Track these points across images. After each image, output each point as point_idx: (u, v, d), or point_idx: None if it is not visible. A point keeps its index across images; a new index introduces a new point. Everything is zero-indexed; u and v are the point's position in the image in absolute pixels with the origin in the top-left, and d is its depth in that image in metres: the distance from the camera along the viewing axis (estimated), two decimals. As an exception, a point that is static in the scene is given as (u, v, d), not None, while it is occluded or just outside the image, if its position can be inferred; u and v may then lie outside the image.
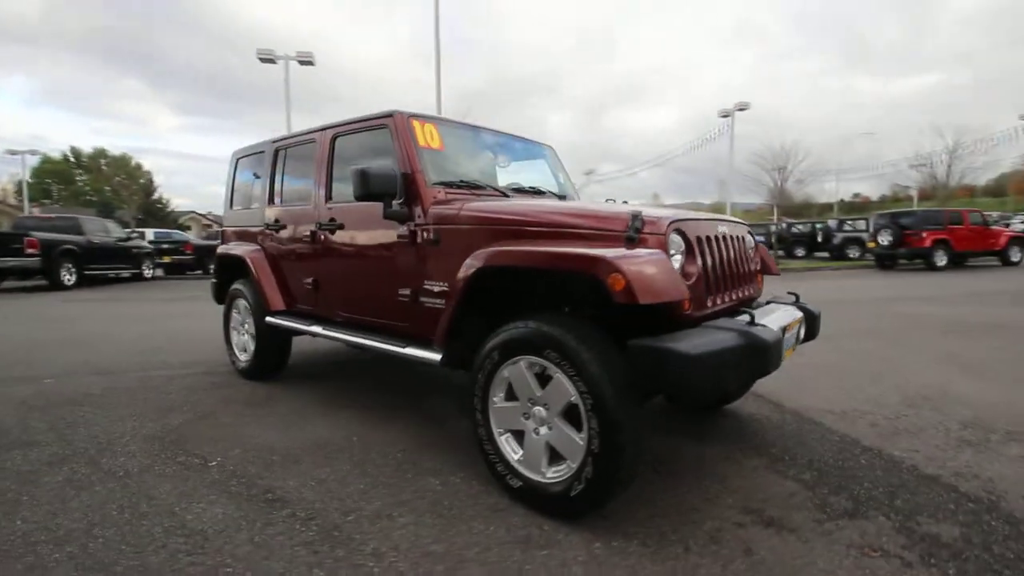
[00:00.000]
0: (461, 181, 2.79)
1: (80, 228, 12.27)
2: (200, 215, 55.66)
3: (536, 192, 3.17)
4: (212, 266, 4.60)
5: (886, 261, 14.61)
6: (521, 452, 2.09)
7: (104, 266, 12.91)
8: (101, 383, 3.86)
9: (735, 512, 2.04)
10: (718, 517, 2.00)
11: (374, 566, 1.70)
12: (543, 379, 2.00)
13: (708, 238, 2.19)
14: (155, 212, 45.88)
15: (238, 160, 4.25)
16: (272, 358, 3.83)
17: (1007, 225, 15.77)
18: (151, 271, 15.15)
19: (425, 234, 2.56)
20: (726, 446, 2.66)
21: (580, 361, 1.80)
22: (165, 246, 16.88)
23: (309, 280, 3.34)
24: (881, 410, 3.15)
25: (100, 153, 46.83)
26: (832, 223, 19.34)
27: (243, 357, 3.99)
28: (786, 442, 2.71)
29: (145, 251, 14.92)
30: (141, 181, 46.04)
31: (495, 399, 2.15)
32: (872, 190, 58.41)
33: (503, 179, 3.23)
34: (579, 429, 1.89)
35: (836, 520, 1.98)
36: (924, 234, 13.18)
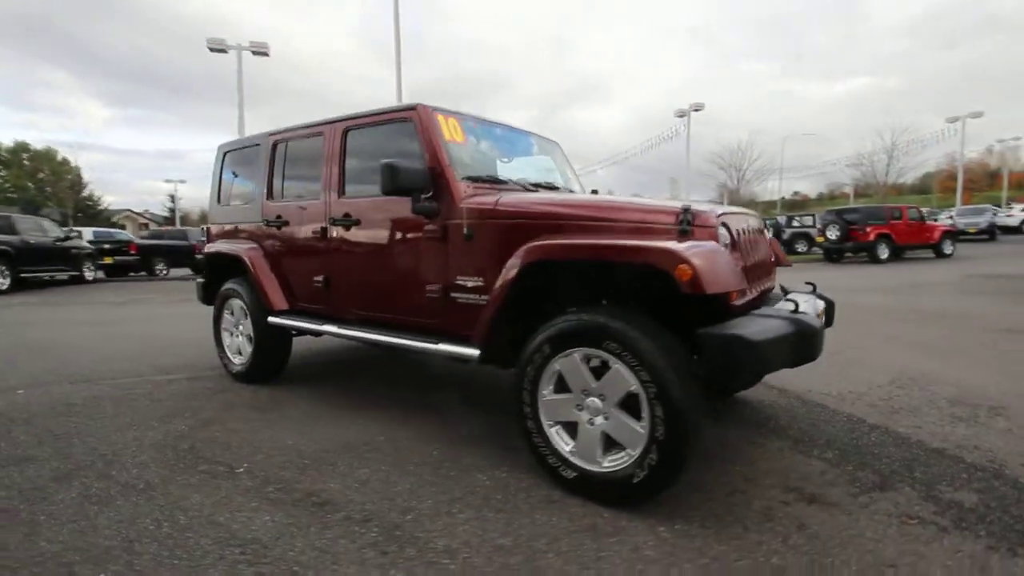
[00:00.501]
0: (487, 176, 2.77)
1: (14, 227, 11.29)
2: (136, 213, 52.35)
3: (551, 187, 3.19)
4: (201, 264, 4.36)
5: (833, 255, 15.56)
6: (573, 443, 2.11)
7: (41, 268, 11.94)
8: (79, 392, 3.59)
9: (778, 491, 2.14)
10: (763, 497, 2.10)
11: (449, 563, 1.68)
12: (597, 370, 2.03)
13: (742, 230, 2.28)
14: (85, 210, 42.73)
15: (226, 154, 4.04)
16: (272, 360, 3.68)
17: (935, 220, 17.13)
18: (92, 273, 14.12)
19: (457, 229, 2.53)
20: (746, 430, 2.78)
21: (644, 351, 1.84)
22: (107, 246, 15.77)
23: (319, 278, 3.22)
24: (874, 391, 3.38)
25: (21, 147, 43.11)
26: (781, 219, 20.37)
27: (238, 360, 3.81)
28: (800, 424, 2.86)
29: (85, 252, 13.89)
30: (68, 177, 42.70)
31: (544, 392, 2.16)
32: (811, 188, 62.01)
33: (513, 174, 3.22)
34: (637, 417, 1.93)
35: (869, 493, 2.11)
36: (868, 229, 14.12)
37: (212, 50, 15.25)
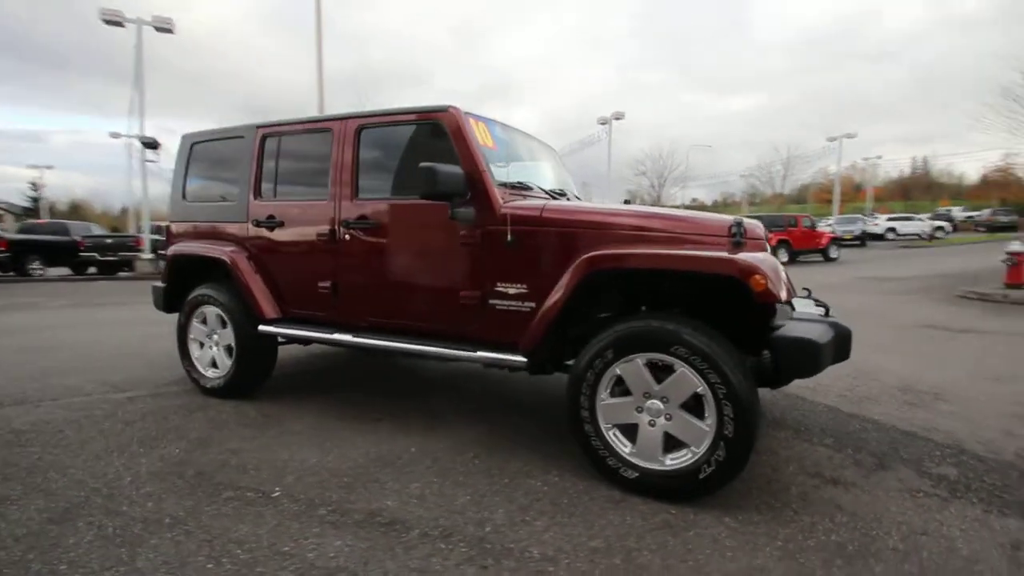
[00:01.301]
0: (515, 181, 2.78)
1: None
2: (-12, 203, 44.81)
3: (561, 194, 3.26)
4: (161, 267, 3.89)
5: (740, 258, 17.12)
6: (631, 445, 2.20)
7: None
8: (22, 417, 3.08)
9: (803, 476, 2.38)
10: (793, 483, 2.32)
11: (554, 570, 1.70)
12: (658, 373, 2.13)
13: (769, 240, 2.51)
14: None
15: (193, 146, 3.66)
16: (258, 372, 3.40)
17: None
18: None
19: (497, 235, 2.52)
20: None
21: (715, 354, 1.97)
22: (-36, 242, 13.42)
23: (325, 284, 3.03)
24: (837, 383, 3.82)
25: None
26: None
27: (212, 373, 3.47)
28: (792, 415, 3.18)
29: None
30: None
31: (602, 396, 2.23)
32: (707, 196, 67.67)
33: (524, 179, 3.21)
34: (700, 417, 2.06)
35: (875, 473, 2.42)
36: (770, 235, 15.72)
37: (107, 22, 13.47)
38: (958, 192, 47.95)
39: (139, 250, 15.13)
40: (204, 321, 3.50)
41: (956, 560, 1.77)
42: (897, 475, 2.40)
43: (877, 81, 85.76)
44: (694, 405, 2.08)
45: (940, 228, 27.89)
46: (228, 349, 3.40)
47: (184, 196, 3.68)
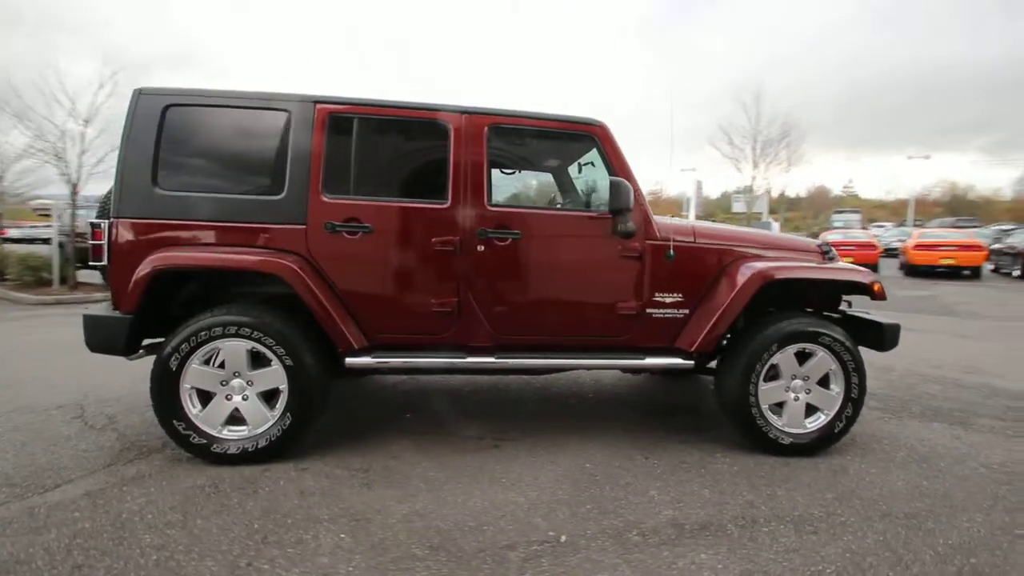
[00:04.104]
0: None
1: None
2: None
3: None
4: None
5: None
6: (781, 418, 2.78)
7: None
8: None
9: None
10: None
11: (819, 527, 2.14)
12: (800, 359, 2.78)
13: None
14: None
15: (168, 109, 2.51)
16: (313, 421, 2.62)
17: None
18: None
19: (657, 249, 2.73)
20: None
21: (847, 340, 2.73)
22: None
23: (446, 301, 2.60)
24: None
25: None
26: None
27: (235, 433, 2.50)
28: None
29: None
30: None
31: (763, 384, 2.74)
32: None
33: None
34: (827, 387, 2.80)
35: (927, 420, 3.44)
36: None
37: None
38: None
39: None
40: (214, 362, 2.49)
41: (957, 449, 2.95)
42: (933, 423, 3.53)
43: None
44: (823, 380, 2.80)
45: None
46: (267, 396, 2.52)
47: (155, 181, 2.49)
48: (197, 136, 2.60)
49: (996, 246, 14.12)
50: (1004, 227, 20.96)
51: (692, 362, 2.75)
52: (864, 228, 23.99)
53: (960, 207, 37.23)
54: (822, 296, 3.08)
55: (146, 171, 2.48)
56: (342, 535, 1.97)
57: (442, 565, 1.80)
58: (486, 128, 2.65)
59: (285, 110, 2.56)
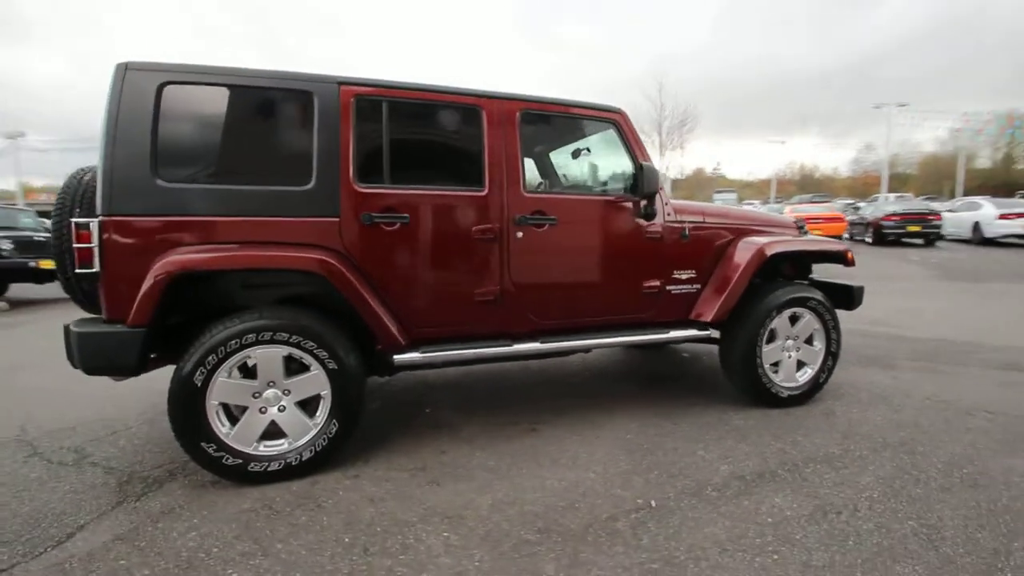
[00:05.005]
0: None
1: None
2: None
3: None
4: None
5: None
6: (779, 374, 3.15)
7: None
8: None
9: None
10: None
11: (845, 453, 2.52)
12: (790, 321, 3.16)
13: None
14: None
15: (164, 87, 2.16)
16: (356, 426, 2.47)
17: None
18: None
19: (674, 230, 2.93)
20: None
21: (827, 304, 3.15)
22: None
23: (487, 290, 2.56)
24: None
25: None
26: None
27: (274, 448, 2.29)
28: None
29: None
30: None
31: (764, 345, 3.08)
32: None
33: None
34: (812, 345, 3.22)
35: (865, 367, 4.03)
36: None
37: None
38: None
39: None
40: (250, 372, 2.24)
41: (901, 387, 3.56)
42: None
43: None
44: (808, 339, 3.21)
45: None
46: (306, 404, 2.33)
47: (156, 172, 2.14)
48: (201, 120, 2.28)
49: (851, 218, 16.64)
50: (847, 201, 24.77)
51: (708, 331, 3.00)
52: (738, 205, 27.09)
53: (809, 185, 43.19)
54: (797, 265, 3.50)
55: (143, 161, 2.13)
56: (444, 533, 1.92)
57: (562, 545, 1.84)
58: (518, 114, 2.63)
59: (306, 91, 2.33)
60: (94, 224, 2.10)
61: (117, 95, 2.12)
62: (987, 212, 13.93)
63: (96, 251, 2.10)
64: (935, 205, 16.92)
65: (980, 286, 8.03)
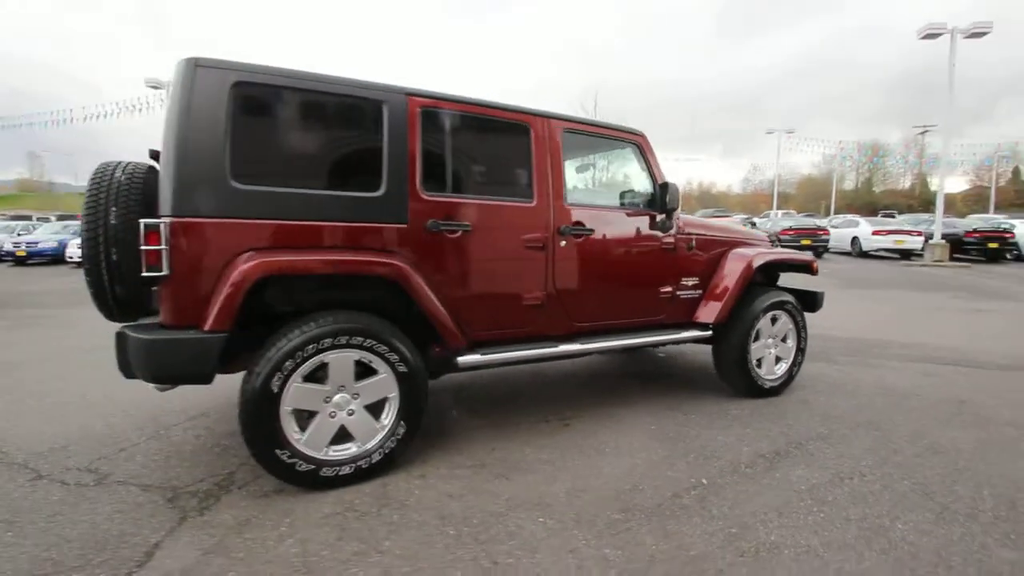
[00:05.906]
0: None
1: None
2: None
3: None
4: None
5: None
6: (762, 369, 3.62)
7: None
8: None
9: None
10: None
11: (830, 432, 3.01)
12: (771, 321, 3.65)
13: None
14: None
15: (236, 87, 2.12)
16: (419, 426, 2.53)
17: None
18: None
19: (684, 241, 3.30)
20: (686, 357, 4.87)
21: (798, 307, 3.68)
22: None
23: (534, 295, 2.73)
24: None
25: None
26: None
27: (344, 452, 2.30)
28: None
29: None
30: None
31: (753, 343, 3.53)
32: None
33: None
34: (786, 342, 3.73)
35: (811, 361, 4.67)
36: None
37: None
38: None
39: None
40: (322, 377, 2.24)
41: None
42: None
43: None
44: (784, 337, 3.72)
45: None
46: (375, 407, 2.37)
47: (232, 174, 2.08)
48: (273, 121, 2.26)
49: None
50: (743, 216, 27.49)
51: (710, 332, 3.39)
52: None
53: (708, 200, 47.37)
54: (768, 273, 4.03)
55: (218, 161, 2.07)
56: (540, 519, 2.06)
57: (647, 521, 2.06)
58: (560, 132, 2.85)
59: (379, 100, 2.38)
60: (163, 225, 2.01)
61: (187, 92, 2.05)
62: (864, 229, 16.27)
63: (165, 253, 2.01)
64: (820, 221, 19.40)
65: (871, 292, 9.44)
